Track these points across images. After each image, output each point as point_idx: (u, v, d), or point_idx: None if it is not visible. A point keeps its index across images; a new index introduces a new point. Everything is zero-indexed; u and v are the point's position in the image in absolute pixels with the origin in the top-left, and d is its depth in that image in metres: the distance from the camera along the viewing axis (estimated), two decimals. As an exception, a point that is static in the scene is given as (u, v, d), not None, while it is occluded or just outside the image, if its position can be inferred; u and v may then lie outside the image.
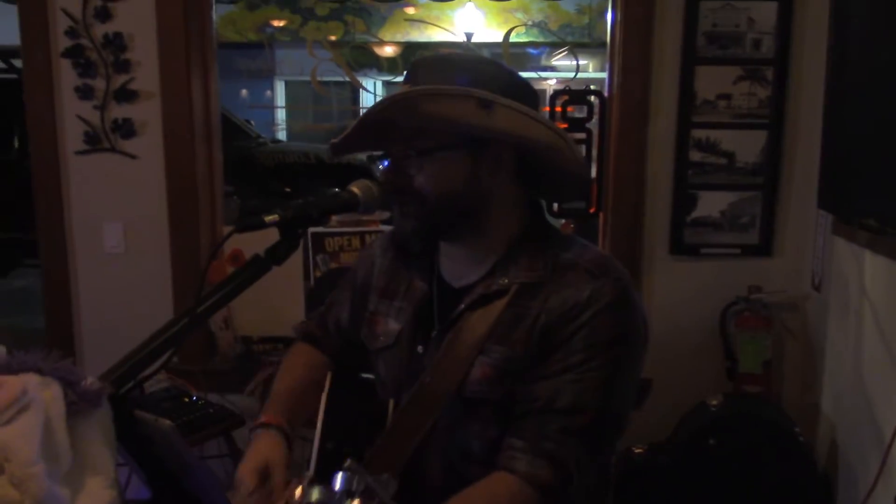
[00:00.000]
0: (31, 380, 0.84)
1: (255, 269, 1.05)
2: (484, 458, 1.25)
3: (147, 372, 0.95)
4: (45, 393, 0.83)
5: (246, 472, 1.27)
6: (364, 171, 6.74)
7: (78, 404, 0.85)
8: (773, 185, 2.70)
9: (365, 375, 1.46)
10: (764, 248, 2.74)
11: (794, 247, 2.74)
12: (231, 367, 2.82)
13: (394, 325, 1.40)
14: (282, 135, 11.02)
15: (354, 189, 1.19)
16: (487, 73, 1.26)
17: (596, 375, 1.21)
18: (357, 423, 1.36)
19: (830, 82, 1.58)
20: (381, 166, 1.26)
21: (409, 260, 1.42)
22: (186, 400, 2.46)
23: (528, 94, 1.28)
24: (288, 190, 7.07)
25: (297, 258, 2.88)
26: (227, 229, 3.01)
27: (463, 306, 1.30)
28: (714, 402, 2.55)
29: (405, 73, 1.31)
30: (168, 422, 0.94)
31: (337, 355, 1.57)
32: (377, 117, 1.22)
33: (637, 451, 2.60)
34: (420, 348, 1.36)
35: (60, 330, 2.87)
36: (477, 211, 1.27)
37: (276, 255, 1.08)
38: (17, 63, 4.23)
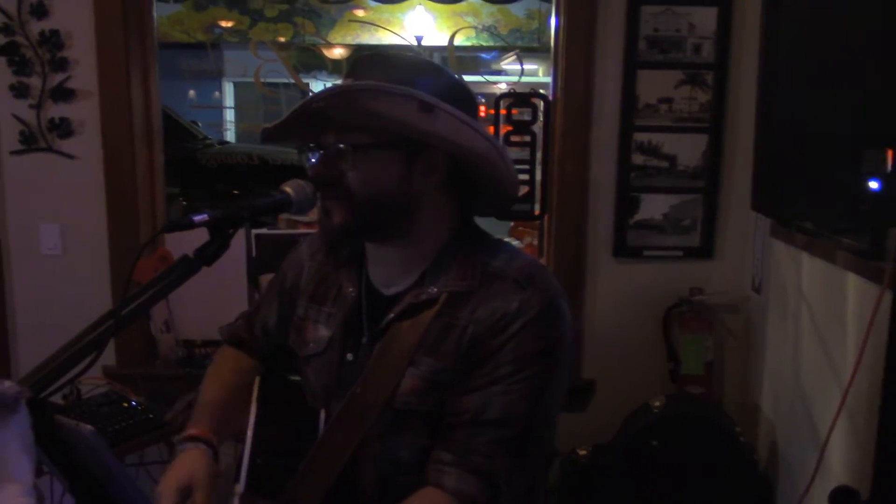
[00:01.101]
0: (-57, 385, 0.81)
1: (182, 269, 1.03)
2: (415, 467, 1.24)
3: (69, 376, 0.92)
4: (-41, 398, 0.80)
5: (166, 489, 1.23)
6: (304, 171, 6.69)
7: (-7, 409, 0.82)
8: (714, 189, 2.74)
9: (294, 378, 1.43)
10: (705, 251, 2.78)
11: (734, 249, 2.79)
12: (172, 371, 2.77)
13: (324, 332, 1.37)
14: (231, 136, 10.88)
15: (287, 189, 1.17)
16: (430, 76, 1.25)
17: (524, 387, 1.20)
18: (287, 434, 1.33)
19: (762, 85, 1.61)
20: (310, 160, 1.24)
21: (339, 264, 1.40)
22: (125, 405, 2.40)
23: (468, 101, 1.28)
24: (235, 192, 6.97)
25: (240, 260, 2.86)
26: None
27: (392, 315, 1.28)
28: (657, 404, 2.58)
29: (349, 66, 1.29)
30: (89, 427, 0.91)
31: (264, 358, 1.54)
32: (314, 108, 1.20)
33: (581, 452, 2.62)
34: (350, 356, 1.33)
35: (-6, 332, 2.79)
36: (405, 213, 1.25)
37: (205, 256, 1.05)
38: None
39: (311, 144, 1.24)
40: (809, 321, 2.28)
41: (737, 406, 2.79)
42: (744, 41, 2.65)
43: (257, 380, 1.41)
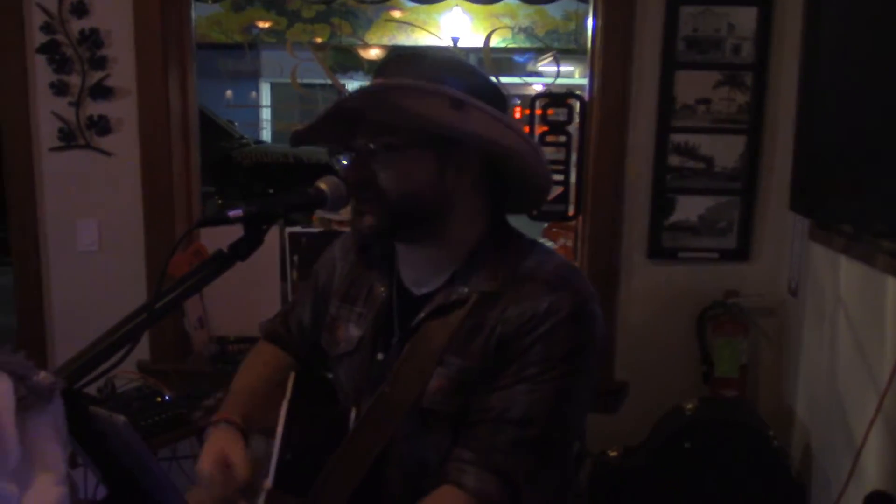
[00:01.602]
0: (-21, 374, 0.82)
1: (216, 264, 1.03)
2: (441, 469, 1.23)
3: (104, 367, 0.93)
4: (-6, 387, 0.81)
5: (206, 464, 1.25)
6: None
7: (28, 399, 0.83)
8: (751, 190, 2.70)
9: (329, 376, 1.43)
10: (741, 253, 2.74)
11: (770, 252, 2.75)
12: (205, 367, 2.79)
13: (355, 331, 1.38)
14: (266, 136, 10.98)
15: (322, 185, 1.17)
16: (460, 73, 1.25)
17: (550, 388, 1.19)
18: (317, 432, 1.33)
19: (803, 86, 1.58)
20: (341, 162, 1.24)
21: (370, 264, 1.40)
22: (158, 400, 2.42)
23: (499, 98, 1.27)
24: (271, 191, 7.03)
25: (273, 257, 2.88)
26: (203, 230, 3.02)
27: (423, 315, 1.28)
28: (689, 406, 2.54)
29: (379, 65, 1.28)
30: (122, 417, 0.92)
31: (300, 355, 1.54)
32: (346, 108, 1.20)
33: (612, 453, 2.60)
34: (380, 355, 1.33)
35: (32, 329, 2.84)
36: (438, 213, 1.25)
37: (239, 251, 1.06)
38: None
39: (342, 147, 1.24)
40: (847, 325, 2.23)
41: (770, 410, 2.74)
42: (784, 42, 2.60)
43: (292, 376, 1.41)
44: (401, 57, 1.28)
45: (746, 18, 2.60)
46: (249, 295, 2.75)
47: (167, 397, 2.45)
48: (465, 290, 1.26)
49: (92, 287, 2.82)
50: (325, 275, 1.48)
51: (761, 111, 2.65)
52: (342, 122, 1.22)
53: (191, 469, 1.32)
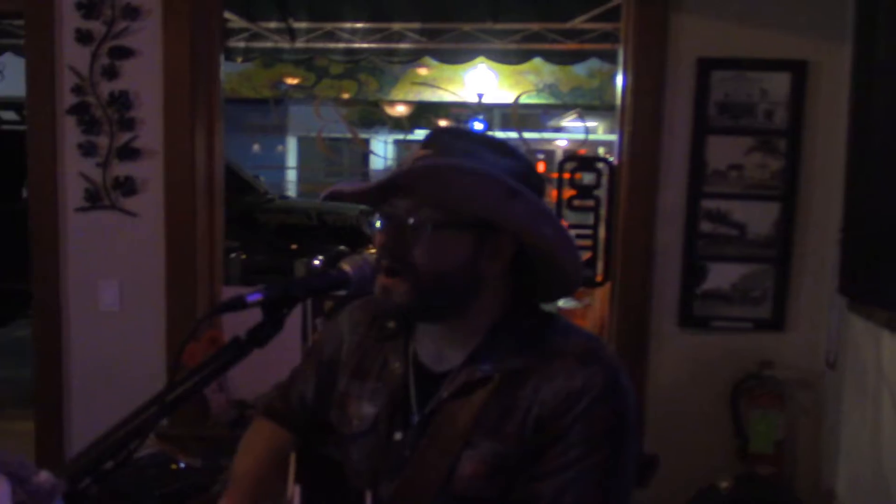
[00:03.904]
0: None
1: (232, 353, 0.98)
2: None
3: (109, 464, 0.88)
4: (-9, 491, 0.76)
5: None
6: (362, 233, 6.72)
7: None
8: (786, 259, 2.63)
9: (331, 454, 1.37)
10: (776, 323, 2.66)
11: (807, 322, 2.66)
12: (224, 432, 2.73)
13: (368, 409, 1.32)
14: (291, 190, 11.06)
15: (346, 267, 1.13)
16: (510, 157, 1.23)
17: (598, 471, 1.14)
18: None
19: (851, 169, 1.51)
20: (374, 225, 1.19)
21: (383, 338, 1.35)
22: (174, 467, 2.36)
23: (540, 183, 1.25)
24: (294, 247, 7.03)
25: (295, 321, 2.83)
26: (225, 289, 2.99)
27: (445, 395, 1.22)
28: (724, 485, 2.44)
29: (426, 137, 1.25)
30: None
31: (300, 431, 1.48)
32: (400, 184, 1.16)
33: (643, 533, 2.49)
34: (398, 435, 1.27)
35: (49, 385, 2.81)
36: (465, 297, 1.21)
37: (257, 338, 1.01)
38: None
39: (378, 210, 1.19)
40: (891, 401, 2.14)
41: (809, 490, 2.63)
42: (818, 107, 2.56)
43: (293, 457, 1.35)
44: (451, 131, 1.27)
45: (779, 84, 2.56)
46: (270, 358, 2.68)
47: (182, 465, 2.38)
48: (490, 367, 1.21)
49: (112, 347, 2.79)
50: (331, 348, 1.43)
51: (796, 177, 2.59)
52: (386, 186, 1.18)
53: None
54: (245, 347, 0.99)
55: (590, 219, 2.81)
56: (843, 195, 2.39)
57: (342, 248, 6.90)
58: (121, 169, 2.71)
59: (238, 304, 0.99)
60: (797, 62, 2.56)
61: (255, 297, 1.00)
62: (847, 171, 1.58)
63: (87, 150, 2.70)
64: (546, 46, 5.22)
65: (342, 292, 1.12)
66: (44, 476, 0.79)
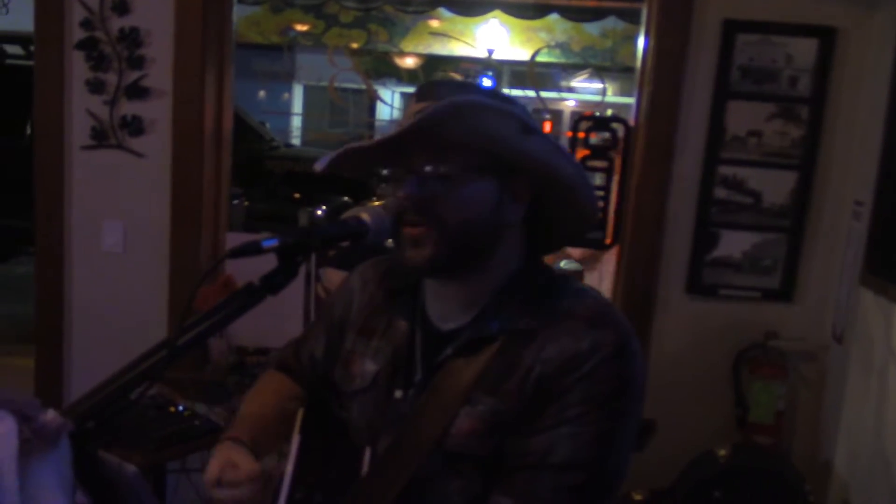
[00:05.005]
0: (-20, 412, 0.74)
1: (245, 299, 0.95)
2: None
3: (118, 406, 0.85)
4: (-3, 428, 0.74)
5: (213, 467, 1.21)
6: (366, 186, 6.65)
7: (33, 442, 0.75)
8: (800, 229, 2.59)
9: (339, 413, 1.35)
10: (784, 294, 2.63)
11: (816, 294, 2.63)
12: (222, 377, 2.72)
13: (370, 366, 1.30)
14: (296, 138, 10.97)
15: (364, 216, 1.09)
16: (508, 103, 1.19)
17: (594, 430, 1.12)
18: (328, 469, 1.26)
19: (889, 136, 1.45)
20: (389, 181, 1.16)
21: (392, 296, 1.32)
22: (172, 410, 2.36)
23: (542, 130, 1.22)
24: (297, 196, 6.98)
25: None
26: (229, 235, 2.96)
27: (450, 352, 1.20)
28: (722, 453, 2.44)
29: (418, 91, 1.21)
30: (133, 467, 0.84)
31: (310, 388, 1.47)
32: (426, 128, 1.11)
33: (636, 497, 2.50)
34: (398, 393, 1.25)
35: (50, 324, 2.79)
36: (489, 246, 1.18)
37: (272, 284, 0.98)
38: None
39: (401, 169, 1.15)
40: (897, 378, 2.13)
41: (807, 461, 2.63)
42: (845, 77, 2.50)
43: (301, 412, 1.33)
44: (444, 83, 1.22)
45: (806, 50, 2.49)
46: (271, 306, 2.66)
47: (181, 407, 2.38)
48: (496, 326, 1.18)
49: (113, 288, 2.77)
50: (342, 307, 1.41)
51: (816, 147, 2.55)
52: (388, 146, 1.14)
53: (200, 482, 1.24)
54: (258, 293, 0.97)
55: (603, 180, 2.77)
56: (877, 166, 2.32)
57: (346, 199, 6.86)
58: (128, 108, 2.65)
59: (253, 249, 0.96)
60: (826, 28, 2.49)
61: (270, 243, 0.97)
62: (884, 141, 1.52)
63: (95, 87, 2.64)
64: (564, 2, 5.13)
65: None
66: (50, 415, 0.77)
